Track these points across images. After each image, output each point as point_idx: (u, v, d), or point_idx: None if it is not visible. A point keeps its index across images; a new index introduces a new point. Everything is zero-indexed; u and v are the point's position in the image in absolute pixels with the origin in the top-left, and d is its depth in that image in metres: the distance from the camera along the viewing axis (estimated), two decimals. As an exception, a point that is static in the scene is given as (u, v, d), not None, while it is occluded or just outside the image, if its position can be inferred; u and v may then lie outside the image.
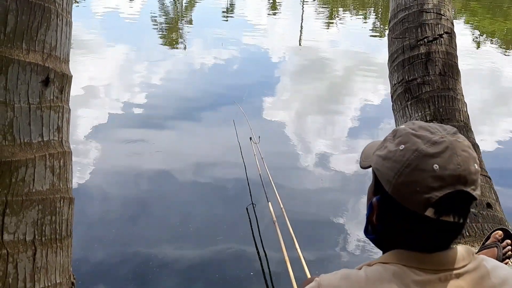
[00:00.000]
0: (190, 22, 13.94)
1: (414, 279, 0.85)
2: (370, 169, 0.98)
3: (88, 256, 3.58)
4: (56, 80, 1.53)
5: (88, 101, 6.81)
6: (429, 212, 0.83)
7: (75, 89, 6.87)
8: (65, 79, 1.58)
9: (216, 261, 3.64)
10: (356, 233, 3.94)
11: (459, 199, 0.84)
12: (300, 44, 11.54)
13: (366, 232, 1.01)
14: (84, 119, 6.16)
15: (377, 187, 0.93)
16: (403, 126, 0.92)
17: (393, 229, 0.92)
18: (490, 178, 2.98)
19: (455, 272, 0.87)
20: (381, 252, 0.98)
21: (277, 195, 3.52)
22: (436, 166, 0.82)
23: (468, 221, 2.65)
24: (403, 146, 0.87)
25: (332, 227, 4.16)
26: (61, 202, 1.55)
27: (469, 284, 0.87)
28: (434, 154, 0.83)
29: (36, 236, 1.47)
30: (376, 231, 0.97)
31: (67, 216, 1.59)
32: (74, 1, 1.73)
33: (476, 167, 0.85)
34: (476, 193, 0.85)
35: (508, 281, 0.91)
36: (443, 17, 3.24)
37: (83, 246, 3.63)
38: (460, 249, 0.91)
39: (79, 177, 4.65)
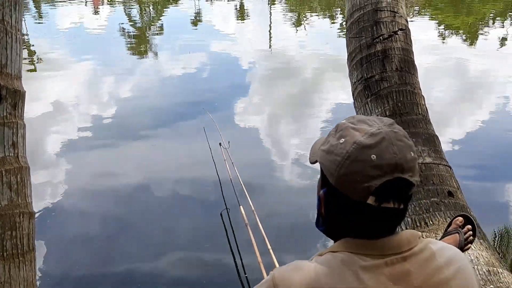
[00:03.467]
0: (159, 31, 13.92)
1: (362, 265, 0.89)
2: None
3: (69, 275, 3.55)
4: (8, 97, 1.54)
5: (57, 117, 6.75)
6: (371, 200, 0.87)
7: (44, 106, 6.82)
8: (18, 95, 1.59)
9: (196, 268, 3.67)
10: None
11: (398, 186, 0.87)
12: (270, 48, 11.65)
13: (317, 224, 1.04)
14: (54, 135, 6.10)
15: (323, 180, 0.97)
16: (344, 121, 0.96)
17: (340, 219, 0.96)
18: (450, 167, 3.06)
19: (401, 255, 0.90)
20: None
21: (248, 198, 3.57)
22: (373, 156, 0.86)
23: (431, 210, 2.76)
24: (343, 139, 0.91)
25: (303, 225, 4.22)
26: (21, 217, 1.56)
27: (415, 266, 0.90)
28: (371, 145, 0.87)
29: (-3, 252, 1.48)
30: (325, 222, 1.00)
31: (28, 231, 1.60)
32: (23, 18, 1.74)
33: (413, 155, 0.89)
34: (414, 179, 0.89)
35: (453, 261, 0.94)
36: (396, 14, 3.34)
37: (63, 265, 3.61)
38: (405, 233, 0.94)
39: (53, 196, 4.62)
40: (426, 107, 3.23)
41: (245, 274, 3.54)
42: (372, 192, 0.86)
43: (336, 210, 0.96)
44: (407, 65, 3.24)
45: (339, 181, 0.90)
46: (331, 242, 1.00)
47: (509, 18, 15.87)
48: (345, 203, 0.91)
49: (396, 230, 0.94)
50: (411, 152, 0.89)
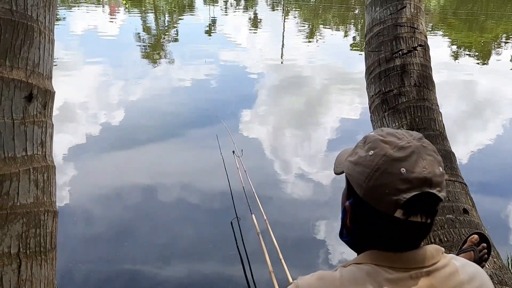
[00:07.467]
0: (173, 39, 14.05)
1: (386, 278, 0.89)
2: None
3: (73, 278, 3.55)
4: (39, 96, 1.56)
5: (70, 120, 6.81)
6: (398, 213, 0.87)
7: (56, 109, 6.87)
8: (48, 95, 1.61)
9: (204, 277, 3.65)
10: (340, 242, 3.98)
11: (426, 200, 0.88)
12: (282, 59, 11.71)
13: (341, 235, 1.05)
14: (66, 138, 6.14)
15: (350, 191, 0.98)
16: (372, 133, 0.96)
17: (365, 230, 0.96)
18: (466, 185, 3.04)
19: (425, 270, 0.91)
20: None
21: (261, 207, 3.56)
22: (403, 170, 0.87)
23: (446, 226, 2.74)
24: (372, 151, 0.91)
25: (315, 237, 4.22)
26: (45, 215, 1.57)
27: (439, 281, 0.91)
28: (401, 158, 0.88)
29: (21, 249, 1.49)
30: (350, 233, 1.01)
31: (51, 229, 1.61)
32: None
33: (441, 170, 0.90)
34: (442, 194, 0.89)
35: (475, 278, 0.95)
36: (416, 30, 3.35)
37: (68, 267, 3.61)
38: (430, 248, 0.95)
39: (62, 197, 4.63)
40: (443, 124, 3.23)
41: (254, 284, 3.52)
42: (400, 205, 0.87)
43: (362, 222, 0.96)
44: (426, 81, 3.24)
45: (367, 193, 0.91)
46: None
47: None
48: (372, 215, 0.92)
49: (420, 244, 0.95)
50: (440, 167, 0.90)
